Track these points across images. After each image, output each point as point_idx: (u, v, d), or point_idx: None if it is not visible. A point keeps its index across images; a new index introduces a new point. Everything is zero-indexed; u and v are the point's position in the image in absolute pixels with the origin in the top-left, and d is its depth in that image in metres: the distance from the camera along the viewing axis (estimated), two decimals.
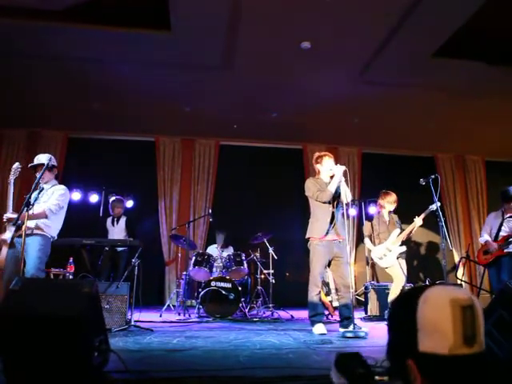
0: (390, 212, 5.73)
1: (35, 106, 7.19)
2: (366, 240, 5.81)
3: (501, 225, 5.38)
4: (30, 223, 3.91)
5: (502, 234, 5.35)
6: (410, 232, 5.47)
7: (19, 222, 3.77)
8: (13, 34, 5.21)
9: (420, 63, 5.82)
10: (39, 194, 4.04)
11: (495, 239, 5.37)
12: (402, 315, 1.00)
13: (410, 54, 5.62)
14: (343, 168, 4.40)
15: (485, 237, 5.51)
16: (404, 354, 0.94)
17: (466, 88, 6.46)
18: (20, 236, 3.84)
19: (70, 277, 6.16)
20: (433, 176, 4.58)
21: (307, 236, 4.54)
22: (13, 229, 3.83)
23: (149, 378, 2.17)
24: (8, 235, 3.87)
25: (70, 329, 1.95)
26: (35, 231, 4.01)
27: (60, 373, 1.95)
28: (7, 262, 3.81)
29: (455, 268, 8.09)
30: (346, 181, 4.41)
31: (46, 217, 4.06)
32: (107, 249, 6.31)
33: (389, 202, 5.67)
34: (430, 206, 5.11)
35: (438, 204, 4.81)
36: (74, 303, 2.03)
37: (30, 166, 4.23)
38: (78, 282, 2.43)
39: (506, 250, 5.19)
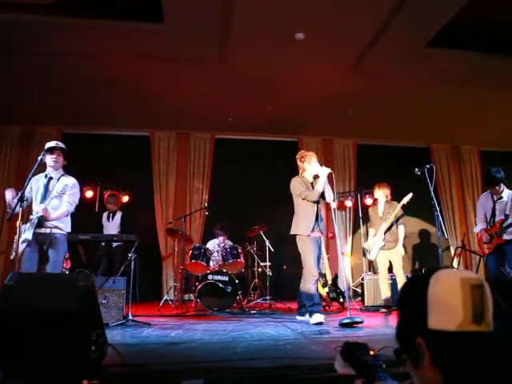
0: (386, 202, 5.81)
1: (29, 102, 7.12)
2: (371, 230, 6.02)
3: (494, 209, 5.12)
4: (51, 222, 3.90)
5: (498, 218, 5.05)
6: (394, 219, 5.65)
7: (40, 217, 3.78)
8: (5, 30, 5.14)
9: (414, 53, 5.80)
10: (48, 184, 3.97)
11: (493, 224, 5.10)
12: (412, 294, 1.03)
13: (403, 44, 5.59)
14: (329, 171, 4.56)
15: (479, 226, 5.25)
16: (413, 332, 0.97)
17: (461, 78, 6.45)
18: (40, 234, 3.85)
19: (67, 272, 6.14)
20: (428, 166, 4.58)
21: (293, 233, 4.69)
22: (31, 226, 3.78)
23: (147, 371, 2.17)
24: (28, 235, 3.77)
25: (67, 323, 1.95)
26: (54, 230, 3.94)
27: (57, 367, 1.94)
28: (24, 262, 3.78)
29: (452, 259, 8.12)
30: (331, 183, 4.58)
31: (67, 215, 4.03)
32: (103, 244, 6.31)
33: (377, 194, 5.90)
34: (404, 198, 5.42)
35: (409, 196, 4.93)
36: (70, 297, 2.02)
37: (50, 146, 4.01)
38: (74, 276, 2.42)
39: (505, 238, 4.86)
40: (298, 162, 4.88)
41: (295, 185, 4.71)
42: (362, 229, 7.89)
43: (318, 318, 4.21)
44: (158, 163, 8.35)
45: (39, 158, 3.73)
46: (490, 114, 7.72)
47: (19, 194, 3.49)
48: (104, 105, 7.27)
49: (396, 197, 5.83)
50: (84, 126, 8.13)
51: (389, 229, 5.65)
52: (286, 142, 8.89)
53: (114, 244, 6.26)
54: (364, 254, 7.58)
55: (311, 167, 4.76)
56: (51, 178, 4.05)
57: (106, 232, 6.57)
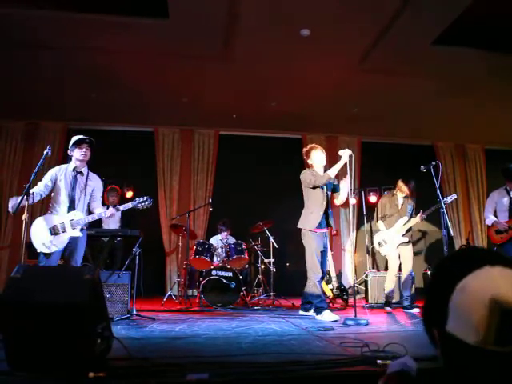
0: (406, 197, 5.70)
1: (33, 96, 7.12)
2: (380, 222, 5.74)
3: (511, 203, 5.23)
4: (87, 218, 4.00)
5: None
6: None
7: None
8: (11, 24, 5.14)
9: (419, 51, 5.75)
10: (76, 178, 4.07)
11: (510, 217, 5.21)
12: (437, 291, 0.93)
13: (409, 41, 5.54)
14: (349, 152, 4.41)
15: (491, 217, 5.36)
16: (432, 323, 0.91)
17: (466, 76, 6.41)
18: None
19: None
20: (433, 163, 4.55)
21: (300, 226, 4.68)
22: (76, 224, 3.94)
23: (152, 365, 2.17)
24: (78, 233, 3.95)
25: (72, 315, 1.95)
26: (84, 227, 4.06)
27: (63, 359, 1.95)
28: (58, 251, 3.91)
29: None
30: (351, 168, 4.37)
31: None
32: (107, 239, 6.32)
33: (401, 190, 5.69)
34: (436, 205, 5.06)
35: (453, 197, 4.81)
36: (76, 290, 2.02)
37: (80, 139, 4.08)
38: (80, 269, 2.43)
39: None
40: (306, 161, 4.89)
41: (305, 174, 4.68)
42: (366, 226, 7.87)
43: (331, 316, 4.21)
44: (162, 159, 8.36)
45: (45, 151, 3.72)
46: (495, 112, 7.67)
47: (26, 187, 3.49)
48: (108, 100, 7.27)
49: None
50: (89, 122, 8.13)
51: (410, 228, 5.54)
52: (291, 138, 8.88)
53: (116, 238, 6.27)
54: (368, 252, 7.56)
55: (313, 161, 4.74)
56: (79, 173, 4.09)
57: (105, 226, 6.57)
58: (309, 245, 4.55)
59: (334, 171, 4.48)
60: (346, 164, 4.39)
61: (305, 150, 4.87)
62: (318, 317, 4.29)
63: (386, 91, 6.96)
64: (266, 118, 8.04)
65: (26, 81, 6.58)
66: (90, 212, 4.12)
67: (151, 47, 5.71)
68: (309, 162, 4.78)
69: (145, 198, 4.13)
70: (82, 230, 3.97)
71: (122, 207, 4.07)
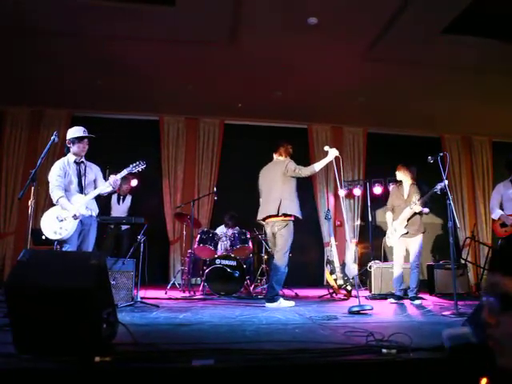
0: (412, 184, 5.42)
1: (38, 83, 7.10)
2: (388, 214, 5.53)
3: None
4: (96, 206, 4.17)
5: None
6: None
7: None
8: (15, 10, 5.10)
9: (428, 40, 5.68)
10: (80, 169, 4.17)
11: None
12: None
13: (418, 31, 5.47)
14: (336, 153, 4.61)
15: (497, 211, 5.33)
16: None
17: (475, 66, 6.32)
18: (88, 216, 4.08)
19: None
20: (441, 154, 4.49)
21: (293, 213, 4.72)
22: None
23: (157, 351, 2.18)
24: (85, 211, 4.02)
25: (79, 300, 1.96)
26: (94, 213, 4.16)
27: (70, 343, 1.96)
28: (73, 236, 3.95)
29: (461, 250, 8.03)
30: (338, 168, 4.53)
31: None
32: (112, 227, 6.36)
33: (399, 177, 5.50)
34: (434, 188, 4.95)
35: (445, 182, 4.72)
36: (83, 275, 2.03)
37: (81, 136, 4.16)
38: (86, 255, 2.43)
39: None
40: (283, 153, 5.12)
41: (291, 164, 4.80)
42: (370, 217, 7.84)
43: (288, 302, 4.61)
44: (166, 148, 8.34)
45: (52, 137, 3.73)
46: (503, 104, 7.59)
47: (31, 174, 3.50)
48: (114, 88, 7.24)
49: None
50: (93, 109, 8.11)
51: (413, 215, 5.25)
52: (296, 128, 8.82)
53: (123, 227, 6.30)
54: (371, 243, 7.55)
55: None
56: (81, 163, 4.19)
57: (114, 214, 6.59)
58: (290, 236, 4.77)
59: (319, 165, 4.67)
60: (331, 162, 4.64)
61: (289, 149, 5.14)
62: (285, 303, 4.56)
63: (393, 81, 6.89)
64: (271, 107, 7.99)
65: (31, 68, 6.55)
66: (100, 196, 4.26)
67: (157, 34, 5.67)
68: (284, 156, 5.03)
69: (137, 162, 4.32)
70: (91, 216, 4.10)
71: (119, 175, 4.16)
